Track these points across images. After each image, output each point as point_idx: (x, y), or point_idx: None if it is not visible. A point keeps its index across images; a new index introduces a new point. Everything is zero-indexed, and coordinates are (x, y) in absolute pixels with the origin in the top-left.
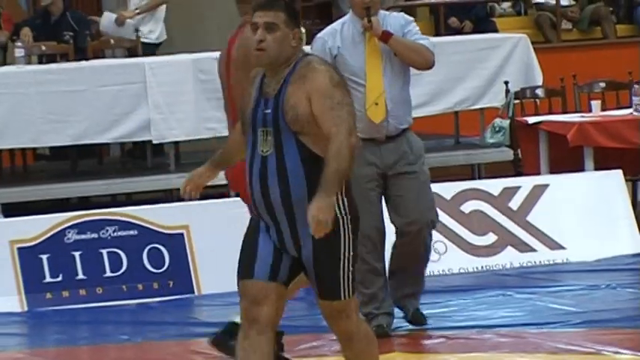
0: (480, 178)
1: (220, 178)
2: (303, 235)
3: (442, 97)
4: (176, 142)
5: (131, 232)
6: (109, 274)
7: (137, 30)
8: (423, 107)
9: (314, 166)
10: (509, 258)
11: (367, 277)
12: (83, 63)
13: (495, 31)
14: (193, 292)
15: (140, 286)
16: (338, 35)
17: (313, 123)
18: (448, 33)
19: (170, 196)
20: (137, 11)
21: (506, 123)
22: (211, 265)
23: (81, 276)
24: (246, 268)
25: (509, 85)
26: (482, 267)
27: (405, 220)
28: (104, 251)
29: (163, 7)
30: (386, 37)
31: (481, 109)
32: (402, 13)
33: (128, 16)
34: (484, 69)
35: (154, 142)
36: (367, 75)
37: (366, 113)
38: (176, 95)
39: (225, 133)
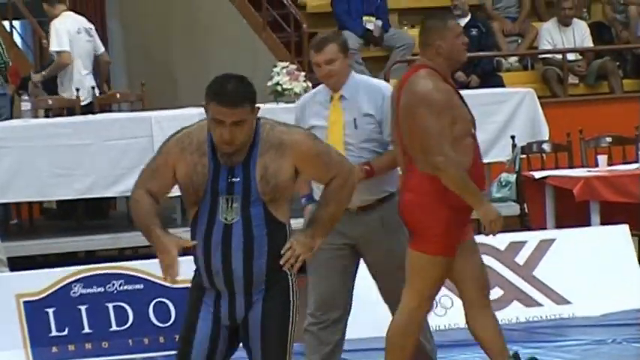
0: None
1: None
2: (258, 300)
3: None
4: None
5: (137, 286)
6: (114, 328)
7: (77, 89)
8: None
9: (277, 235)
10: (515, 312)
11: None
12: (90, 117)
13: (502, 85)
14: None
15: (146, 340)
16: (307, 106)
17: (290, 188)
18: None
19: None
20: (43, 73)
21: (512, 177)
22: None
23: (87, 330)
24: (183, 356)
25: (515, 139)
26: None
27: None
28: (110, 305)
29: (72, 67)
30: (370, 174)
31: (488, 163)
32: (382, 83)
33: (36, 80)
34: (491, 123)
35: None
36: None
37: None
38: None
39: None
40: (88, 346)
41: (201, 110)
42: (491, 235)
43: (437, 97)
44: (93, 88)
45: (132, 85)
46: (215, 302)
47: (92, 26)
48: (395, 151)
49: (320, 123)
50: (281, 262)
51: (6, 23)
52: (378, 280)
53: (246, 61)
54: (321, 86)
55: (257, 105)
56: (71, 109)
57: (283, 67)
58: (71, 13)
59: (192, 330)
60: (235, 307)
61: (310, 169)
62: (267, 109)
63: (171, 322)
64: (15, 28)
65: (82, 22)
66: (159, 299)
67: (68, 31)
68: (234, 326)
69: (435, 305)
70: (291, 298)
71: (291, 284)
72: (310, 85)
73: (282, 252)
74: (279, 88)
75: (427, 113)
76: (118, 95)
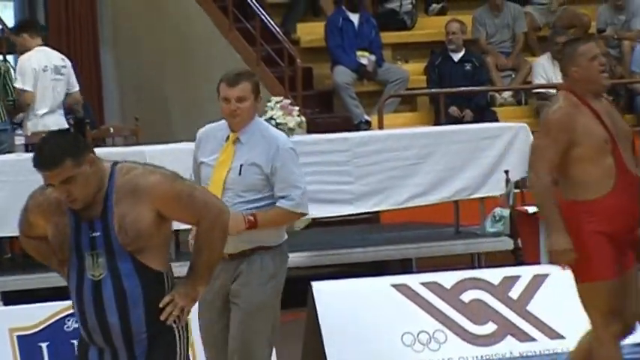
0: (480, 266)
1: None
2: (140, 355)
3: (441, 186)
4: (176, 230)
5: None
6: None
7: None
8: (422, 197)
9: (153, 286)
10: (509, 347)
11: None
12: None
13: (496, 120)
14: None
15: None
16: (206, 140)
17: (156, 235)
18: (448, 122)
19: None
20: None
21: (506, 212)
22: None
23: None
24: None
25: (509, 174)
26: (482, 356)
27: None
28: None
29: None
30: (253, 225)
31: (481, 198)
32: (281, 135)
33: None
34: (484, 158)
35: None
36: (210, 185)
37: None
38: None
39: None
40: None
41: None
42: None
43: (551, 117)
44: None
45: (125, 119)
46: (99, 356)
47: (67, 63)
48: (281, 209)
49: (209, 160)
50: (162, 318)
51: None
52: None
53: None
54: (224, 122)
55: (83, 157)
56: None
57: (277, 102)
58: (45, 49)
59: None
60: None
61: (172, 212)
62: None
63: None
64: (8, 62)
65: (53, 58)
66: None
67: (33, 69)
68: None
69: (429, 340)
70: (177, 350)
71: (177, 335)
72: (304, 120)
73: (161, 306)
74: (273, 122)
75: (540, 132)
76: (111, 129)
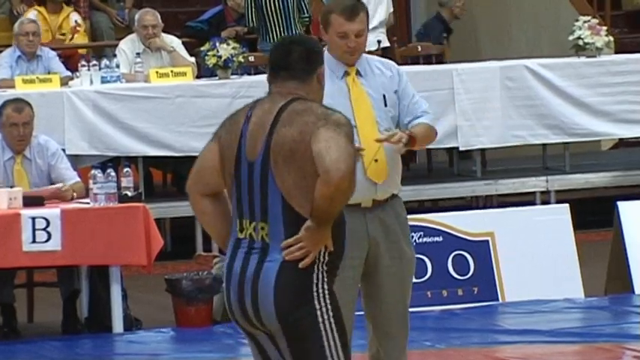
0: None
1: (528, 186)
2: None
3: None
4: (483, 150)
5: (436, 239)
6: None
7: None
8: None
9: None
10: None
11: None
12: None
13: None
14: (498, 300)
15: (445, 293)
16: None
17: None
18: None
19: (476, 202)
20: None
21: None
22: (516, 272)
23: None
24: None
25: None
26: None
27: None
28: None
29: None
30: (413, 142)
31: None
32: (381, 59)
33: None
34: None
35: (461, 149)
36: (359, 126)
37: (366, 173)
38: (484, 102)
39: (533, 140)
40: None
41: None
42: None
43: None
44: None
45: None
46: None
47: None
48: (428, 124)
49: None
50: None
51: None
52: (383, 298)
53: (547, 14)
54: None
55: None
56: None
57: (585, 22)
58: None
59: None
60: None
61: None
62: (568, 63)
63: (469, 274)
64: None
65: None
66: (458, 252)
67: None
68: None
69: None
70: (322, 329)
71: (318, 309)
72: (612, 39)
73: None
74: (580, 42)
75: None
76: (419, 48)
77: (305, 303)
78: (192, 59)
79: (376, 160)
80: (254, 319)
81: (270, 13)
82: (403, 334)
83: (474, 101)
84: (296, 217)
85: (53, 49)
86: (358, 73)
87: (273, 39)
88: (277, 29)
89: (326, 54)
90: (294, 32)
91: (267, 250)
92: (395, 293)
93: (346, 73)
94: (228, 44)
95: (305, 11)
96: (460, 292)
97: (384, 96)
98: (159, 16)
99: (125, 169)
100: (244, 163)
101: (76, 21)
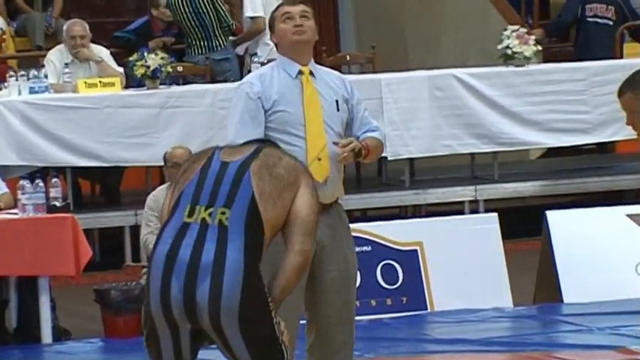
0: None
1: (457, 195)
2: None
3: None
4: (411, 159)
5: (365, 248)
6: None
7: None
8: None
9: None
10: None
11: None
12: None
13: None
14: (426, 309)
15: (373, 302)
16: (268, 80)
17: None
18: None
19: (404, 212)
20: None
21: None
22: (445, 281)
23: None
24: None
25: None
26: None
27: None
28: None
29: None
30: (367, 153)
31: None
32: (330, 69)
33: None
34: None
35: (389, 158)
36: (307, 124)
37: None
38: (412, 112)
39: (461, 150)
40: None
41: (431, 73)
42: None
43: None
44: None
45: (361, 47)
46: None
47: None
48: (379, 139)
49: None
50: None
51: None
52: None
53: (476, 24)
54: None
55: None
56: None
57: (513, 31)
58: None
59: None
60: None
61: None
62: (496, 72)
63: (398, 284)
64: None
65: None
66: (386, 261)
67: None
68: None
69: None
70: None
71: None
72: (540, 49)
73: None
74: (509, 51)
75: None
76: (347, 57)
77: (266, 313)
78: (121, 69)
79: (319, 159)
80: (201, 310)
81: (189, 28)
82: (349, 341)
83: (403, 111)
84: (257, 217)
85: None
86: (312, 74)
87: (197, 52)
88: (199, 42)
89: (278, 57)
90: (215, 43)
91: (226, 233)
92: (340, 298)
93: (300, 72)
94: (156, 54)
95: (225, 21)
96: (389, 302)
97: (337, 101)
98: (87, 27)
99: (53, 180)
100: (216, 162)
101: (1, 28)
